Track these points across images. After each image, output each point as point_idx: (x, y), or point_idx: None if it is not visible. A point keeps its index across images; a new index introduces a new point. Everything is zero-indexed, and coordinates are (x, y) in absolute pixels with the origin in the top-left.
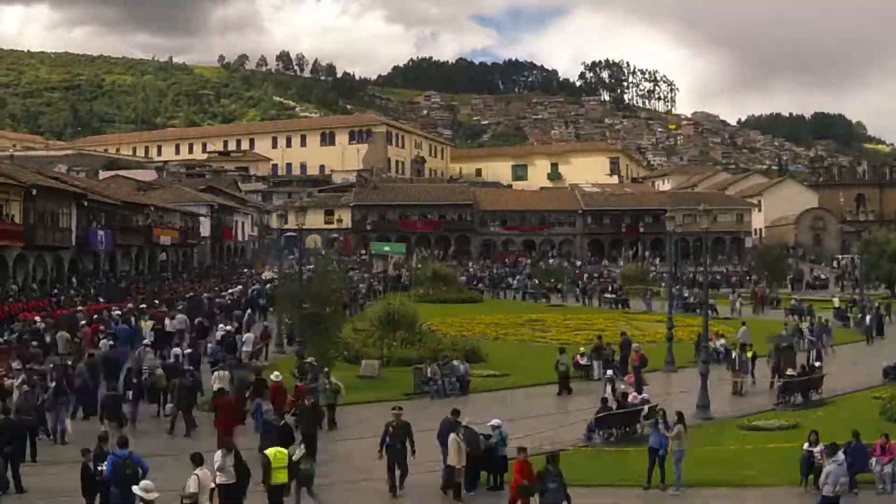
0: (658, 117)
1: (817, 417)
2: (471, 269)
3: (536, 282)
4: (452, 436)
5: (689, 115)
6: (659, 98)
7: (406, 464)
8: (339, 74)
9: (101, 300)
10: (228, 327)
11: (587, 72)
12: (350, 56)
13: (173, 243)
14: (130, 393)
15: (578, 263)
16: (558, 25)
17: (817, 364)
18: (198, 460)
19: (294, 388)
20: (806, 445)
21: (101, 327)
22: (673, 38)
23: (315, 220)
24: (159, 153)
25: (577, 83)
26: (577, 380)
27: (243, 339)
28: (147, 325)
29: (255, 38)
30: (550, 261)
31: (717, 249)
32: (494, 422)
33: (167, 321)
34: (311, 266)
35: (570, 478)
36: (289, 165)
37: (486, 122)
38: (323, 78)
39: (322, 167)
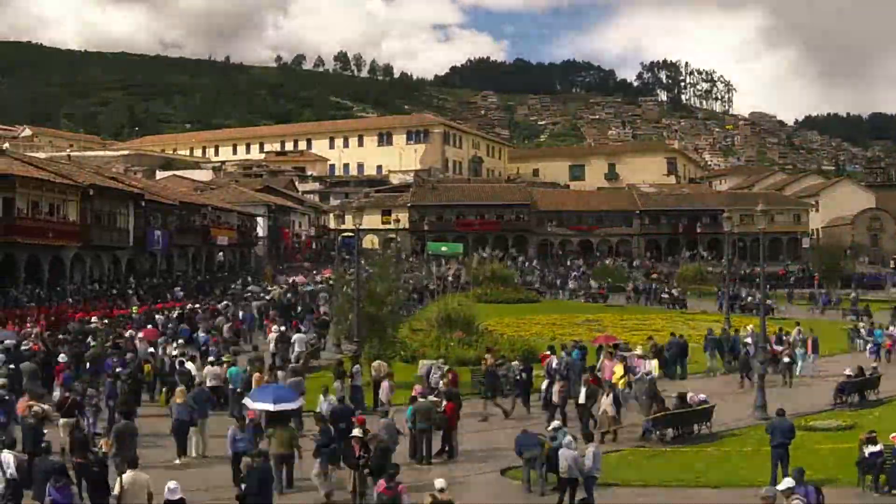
0: (715, 117)
1: (874, 418)
2: (534, 271)
3: (594, 283)
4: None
5: (746, 116)
6: (716, 98)
7: None
8: (397, 74)
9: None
10: (282, 328)
11: (644, 72)
12: (406, 56)
13: (230, 243)
14: None
15: (635, 263)
16: (614, 23)
17: (874, 364)
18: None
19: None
20: (869, 448)
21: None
22: (731, 37)
23: (372, 220)
24: (216, 153)
25: (635, 83)
26: None
27: (293, 340)
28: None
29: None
30: (607, 261)
31: (775, 250)
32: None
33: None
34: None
35: (627, 477)
36: (346, 166)
37: (543, 122)
38: (380, 78)
39: (379, 167)
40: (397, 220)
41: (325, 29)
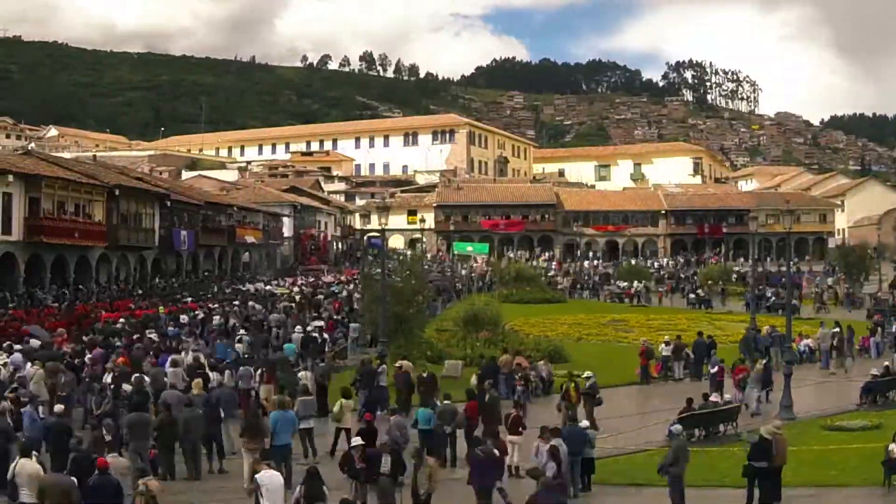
0: (741, 117)
1: None
2: (570, 272)
3: (622, 283)
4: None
5: (771, 116)
6: (742, 98)
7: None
8: (422, 74)
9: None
10: (308, 327)
11: (670, 72)
12: (431, 56)
13: (256, 243)
14: None
15: (661, 263)
16: (637, 22)
17: None
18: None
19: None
20: (892, 446)
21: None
22: (756, 37)
23: (398, 220)
24: (242, 153)
25: (660, 83)
26: (657, 380)
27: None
28: None
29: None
30: (633, 261)
31: (800, 250)
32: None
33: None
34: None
35: (652, 479)
36: (371, 166)
37: (568, 122)
38: (405, 78)
39: (405, 167)
40: (423, 221)
41: (343, 21)
